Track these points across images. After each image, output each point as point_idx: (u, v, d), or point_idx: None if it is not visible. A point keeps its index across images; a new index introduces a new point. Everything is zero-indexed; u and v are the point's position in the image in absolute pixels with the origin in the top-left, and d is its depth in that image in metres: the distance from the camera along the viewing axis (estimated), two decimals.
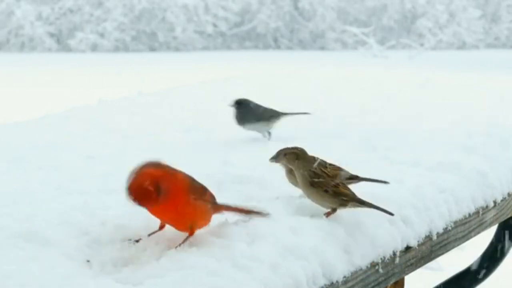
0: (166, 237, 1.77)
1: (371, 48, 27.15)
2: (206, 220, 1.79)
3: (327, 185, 1.95)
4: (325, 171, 1.99)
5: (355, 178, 2.10)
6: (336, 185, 1.96)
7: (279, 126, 2.94)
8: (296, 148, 2.02)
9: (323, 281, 1.78)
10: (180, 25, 29.35)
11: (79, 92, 13.81)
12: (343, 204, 1.96)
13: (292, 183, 2.08)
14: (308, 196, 1.99)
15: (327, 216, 1.97)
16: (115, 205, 1.95)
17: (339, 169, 2.09)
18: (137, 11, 29.42)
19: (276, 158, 2.03)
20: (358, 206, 1.97)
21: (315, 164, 1.99)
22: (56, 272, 1.60)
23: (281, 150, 2.03)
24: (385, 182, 2.13)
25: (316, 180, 1.96)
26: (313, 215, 1.96)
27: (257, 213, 1.86)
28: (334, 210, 1.98)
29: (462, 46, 31.59)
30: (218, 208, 1.82)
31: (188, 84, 4.26)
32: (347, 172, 2.10)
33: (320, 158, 2.03)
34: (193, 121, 3.06)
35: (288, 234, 1.84)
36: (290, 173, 2.07)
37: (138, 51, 29.19)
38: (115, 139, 2.76)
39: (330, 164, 2.07)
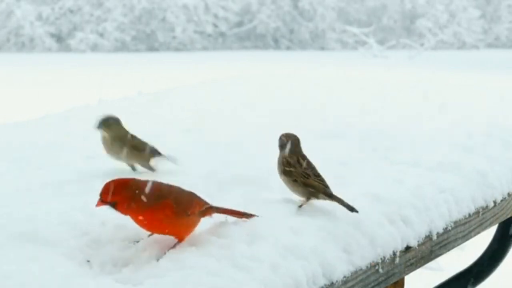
0: (166, 237, 1.77)
1: (371, 48, 27.16)
2: (191, 230, 1.77)
3: (297, 175, 1.98)
4: (300, 161, 2.01)
5: (328, 196, 2.01)
6: (306, 176, 1.98)
7: (279, 126, 2.94)
8: (293, 135, 2.05)
9: (323, 281, 1.78)
10: (180, 25, 29.35)
11: (79, 92, 13.81)
12: (313, 195, 1.98)
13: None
14: (283, 182, 2.03)
15: (299, 207, 1.99)
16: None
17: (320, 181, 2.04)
18: (137, 11, 29.43)
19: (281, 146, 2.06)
20: (327, 199, 1.98)
21: (287, 151, 2.02)
22: (56, 272, 1.60)
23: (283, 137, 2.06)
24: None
25: (287, 169, 2.00)
26: (313, 215, 1.96)
27: (249, 215, 1.86)
28: (308, 199, 2.00)
29: (462, 46, 31.59)
30: (209, 211, 1.81)
31: (188, 84, 4.26)
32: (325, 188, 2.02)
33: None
34: (193, 121, 3.06)
35: (288, 234, 1.84)
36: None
37: (138, 51, 29.20)
38: None
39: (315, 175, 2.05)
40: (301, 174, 1.99)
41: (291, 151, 2.04)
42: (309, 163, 2.04)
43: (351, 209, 1.96)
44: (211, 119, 3.14)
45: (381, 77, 13.13)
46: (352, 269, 1.88)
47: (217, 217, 1.84)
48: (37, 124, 3.07)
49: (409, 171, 2.40)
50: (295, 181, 2.00)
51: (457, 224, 2.30)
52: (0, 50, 28.56)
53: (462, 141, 2.76)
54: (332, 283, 1.80)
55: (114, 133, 2.34)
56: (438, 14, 31.29)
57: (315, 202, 2.00)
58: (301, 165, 2.01)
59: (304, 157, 2.04)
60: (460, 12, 31.57)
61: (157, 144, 2.39)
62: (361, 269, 1.91)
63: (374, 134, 2.83)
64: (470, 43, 31.64)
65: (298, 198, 2.04)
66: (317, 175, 2.01)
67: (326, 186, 1.99)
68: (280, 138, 2.06)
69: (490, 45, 32.38)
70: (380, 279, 1.98)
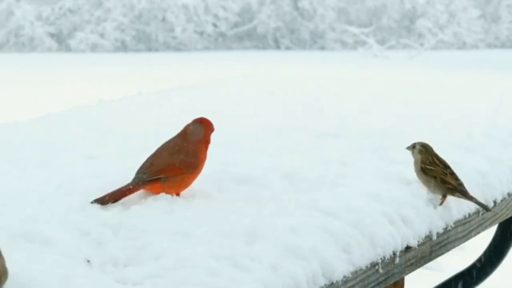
0: (166, 236, 1.77)
1: (371, 48, 27.14)
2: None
3: (436, 173, 2.18)
4: (438, 161, 2.21)
5: (463, 194, 2.21)
6: (445, 174, 2.18)
7: (279, 126, 2.94)
8: (424, 144, 2.25)
9: (323, 281, 1.78)
10: (180, 25, 29.35)
11: (79, 92, 13.80)
12: (450, 192, 2.19)
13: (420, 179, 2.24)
14: (420, 181, 2.21)
15: (440, 205, 2.19)
16: (115, 205, 1.95)
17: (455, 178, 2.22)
18: (137, 11, 29.42)
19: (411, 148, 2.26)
20: (461, 197, 2.19)
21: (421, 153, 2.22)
22: (56, 272, 1.60)
23: (415, 143, 2.26)
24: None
25: (428, 167, 2.21)
26: (313, 215, 1.97)
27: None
28: (444, 197, 2.20)
29: (462, 46, 31.58)
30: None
31: (188, 84, 4.26)
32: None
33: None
34: None
35: (288, 234, 1.84)
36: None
37: (138, 51, 29.19)
38: (115, 139, 2.76)
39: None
40: (440, 172, 2.19)
41: (425, 152, 2.22)
42: (444, 163, 2.22)
43: (486, 208, 2.23)
44: (211, 119, 3.13)
45: (381, 77, 13.12)
46: (352, 269, 1.88)
47: (217, 216, 1.84)
48: (37, 124, 3.06)
49: (408, 171, 2.40)
50: (434, 177, 2.19)
51: (457, 224, 2.30)
52: (0, 50, 28.55)
53: (462, 141, 2.76)
54: (332, 283, 1.80)
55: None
56: (438, 14, 31.26)
57: (314, 201, 2.00)
58: (438, 165, 2.20)
59: (439, 158, 2.22)
60: (460, 12, 31.55)
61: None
62: (361, 269, 1.91)
63: (374, 134, 2.82)
64: (470, 43, 31.63)
65: (435, 195, 2.21)
66: (452, 174, 2.20)
67: (460, 184, 2.19)
68: (424, 145, 2.24)
69: (490, 45, 32.35)
70: (380, 279, 1.99)
